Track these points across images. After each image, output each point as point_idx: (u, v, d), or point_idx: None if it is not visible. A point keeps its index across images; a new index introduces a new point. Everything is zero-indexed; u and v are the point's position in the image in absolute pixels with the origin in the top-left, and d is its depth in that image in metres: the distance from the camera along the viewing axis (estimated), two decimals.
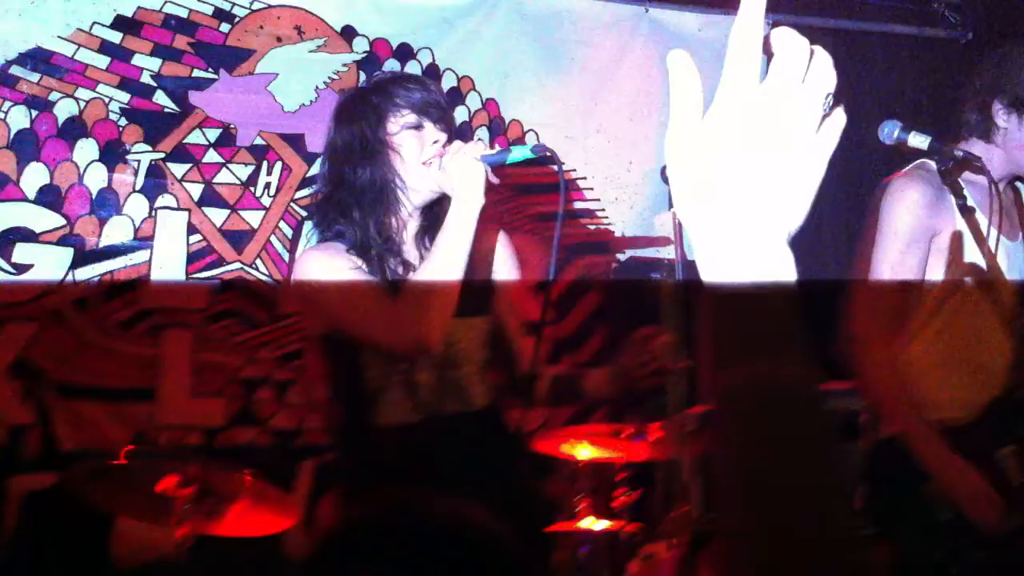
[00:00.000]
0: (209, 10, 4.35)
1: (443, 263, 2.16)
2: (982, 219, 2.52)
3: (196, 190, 4.31)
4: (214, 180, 4.34)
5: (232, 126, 4.36)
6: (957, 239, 2.56)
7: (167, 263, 4.26)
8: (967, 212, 2.44)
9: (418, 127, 2.30)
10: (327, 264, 2.28)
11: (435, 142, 2.31)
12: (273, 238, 4.40)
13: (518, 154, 2.23)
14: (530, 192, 4.58)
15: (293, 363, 4.35)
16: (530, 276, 4.55)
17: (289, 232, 4.41)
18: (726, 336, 0.93)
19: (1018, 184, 2.78)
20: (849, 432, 2.82)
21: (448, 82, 4.57)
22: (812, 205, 0.95)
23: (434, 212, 2.35)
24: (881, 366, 2.61)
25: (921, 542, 2.55)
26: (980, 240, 2.43)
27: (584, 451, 3.54)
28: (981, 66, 2.72)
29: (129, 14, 4.25)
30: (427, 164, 2.27)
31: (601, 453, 3.52)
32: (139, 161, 4.26)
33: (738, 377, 0.90)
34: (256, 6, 4.38)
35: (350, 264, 2.27)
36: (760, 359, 0.90)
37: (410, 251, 2.37)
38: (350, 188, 2.30)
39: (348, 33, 4.48)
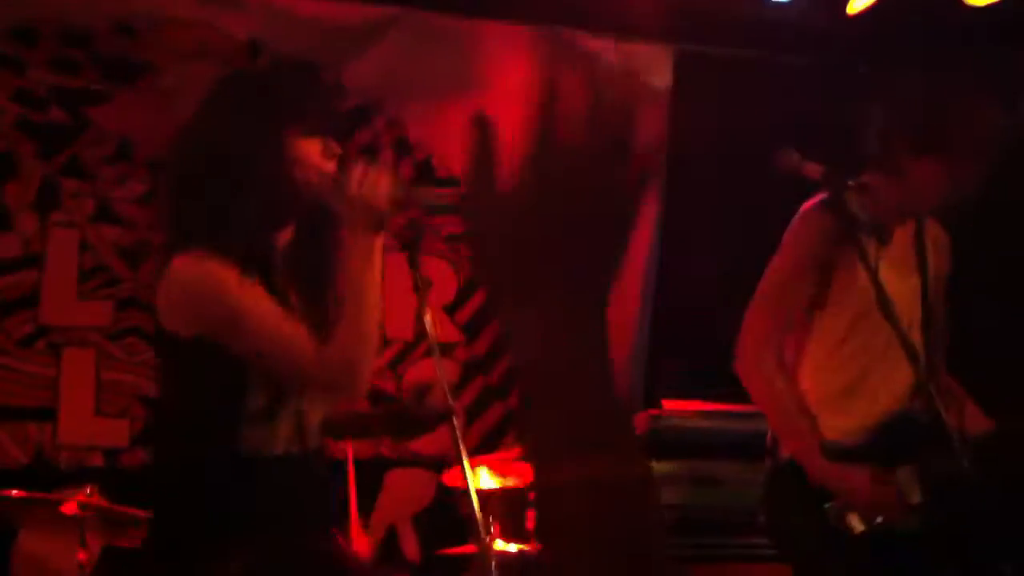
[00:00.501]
0: (109, 23, 4.26)
1: (365, 307, 2.07)
2: (876, 251, 2.60)
3: (91, 206, 4.22)
4: (110, 196, 4.25)
5: (129, 141, 4.28)
6: (852, 270, 2.66)
7: (58, 281, 4.17)
8: (861, 244, 2.53)
9: (321, 135, 2.13)
10: (223, 278, 2.02)
11: (335, 155, 2.15)
12: None
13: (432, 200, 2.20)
14: (439, 213, 4.58)
15: None
16: (440, 298, 4.60)
17: None
18: (549, 431, 0.87)
19: (922, 220, 2.86)
20: (754, 453, 2.90)
21: (354, 100, 4.54)
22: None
23: (306, 226, 2.17)
24: (772, 390, 2.70)
25: (822, 561, 2.64)
26: (874, 272, 2.52)
27: (490, 480, 3.59)
28: (878, 100, 2.82)
29: (25, 25, 4.14)
30: (322, 177, 2.09)
31: (509, 480, 3.57)
32: (31, 176, 4.15)
33: (562, 477, 0.85)
34: (158, 20, 4.30)
35: (246, 280, 2.04)
36: (586, 456, 0.85)
37: (280, 267, 2.16)
38: (232, 188, 2.03)
39: (252, 48, 4.44)
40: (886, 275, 2.58)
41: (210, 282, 2.03)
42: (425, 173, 4.67)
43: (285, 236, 2.16)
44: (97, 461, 4.15)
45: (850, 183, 2.62)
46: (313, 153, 2.12)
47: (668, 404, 3.68)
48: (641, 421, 3.68)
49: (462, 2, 4.67)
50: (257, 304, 2.06)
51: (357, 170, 2.07)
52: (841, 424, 2.69)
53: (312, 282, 2.19)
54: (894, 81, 2.91)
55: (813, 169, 2.60)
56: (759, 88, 4.78)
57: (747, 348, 2.71)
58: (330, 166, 2.14)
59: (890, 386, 2.72)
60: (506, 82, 4.77)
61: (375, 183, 2.07)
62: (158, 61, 4.32)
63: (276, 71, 2.23)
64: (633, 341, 4.97)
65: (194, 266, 2.04)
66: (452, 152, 4.64)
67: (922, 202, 2.76)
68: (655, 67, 5.05)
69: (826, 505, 2.58)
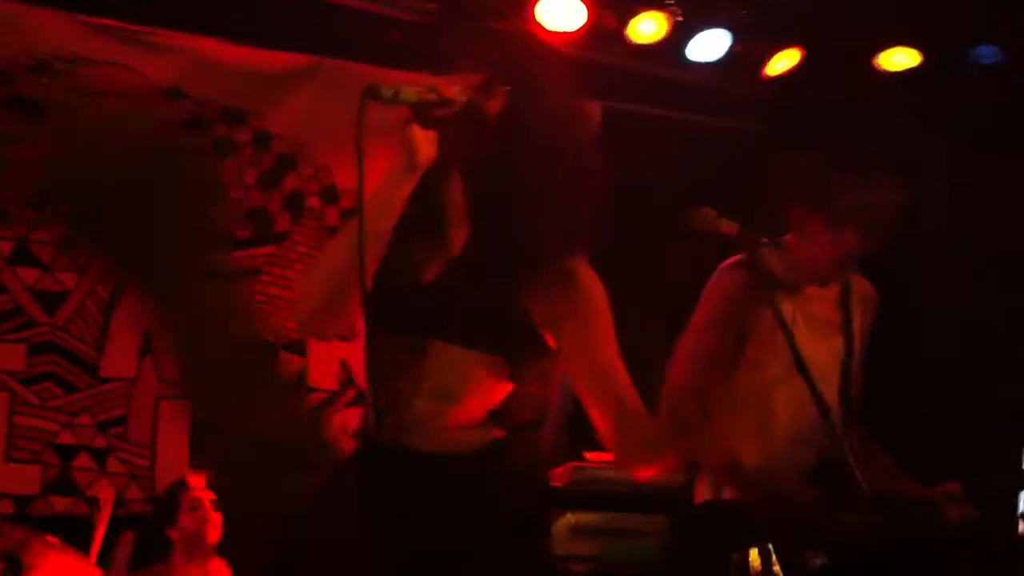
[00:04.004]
0: (28, 63, 4.21)
1: None
2: (793, 310, 2.67)
3: (7, 247, 4.15)
4: (28, 237, 4.18)
5: (48, 183, 4.21)
6: (771, 327, 2.71)
7: None
8: (774, 303, 2.59)
9: None
10: None
11: None
12: (89, 301, 4.27)
13: None
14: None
15: (114, 430, 4.24)
16: None
17: (106, 295, 4.29)
18: None
19: (847, 279, 2.93)
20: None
21: (279, 147, 4.54)
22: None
23: None
24: (692, 434, 2.73)
25: None
26: (789, 330, 2.57)
27: None
28: (776, 166, 2.91)
29: None
30: None
31: None
32: None
33: None
34: (78, 62, 4.26)
35: None
36: None
37: None
38: None
39: (173, 94, 4.41)
40: (806, 335, 2.63)
41: None
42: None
43: None
44: (7, 508, 4.04)
45: (764, 241, 2.68)
46: None
47: (590, 455, 3.70)
48: (563, 472, 3.70)
49: (385, 54, 4.70)
50: None
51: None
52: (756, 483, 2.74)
53: None
54: (795, 144, 3.01)
55: (729, 227, 2.65)
56: (680, 146, 4.88)
57: (667, 403, 2.75)
58: None
59: (803, 445, 2.77)
60: None
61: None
62: (77, 102, 4.26)
63: None
64: (558, 395, 4.98)
65: None
66: None
67: (828, 263, 2.83)
68: None
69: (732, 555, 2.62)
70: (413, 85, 1.89)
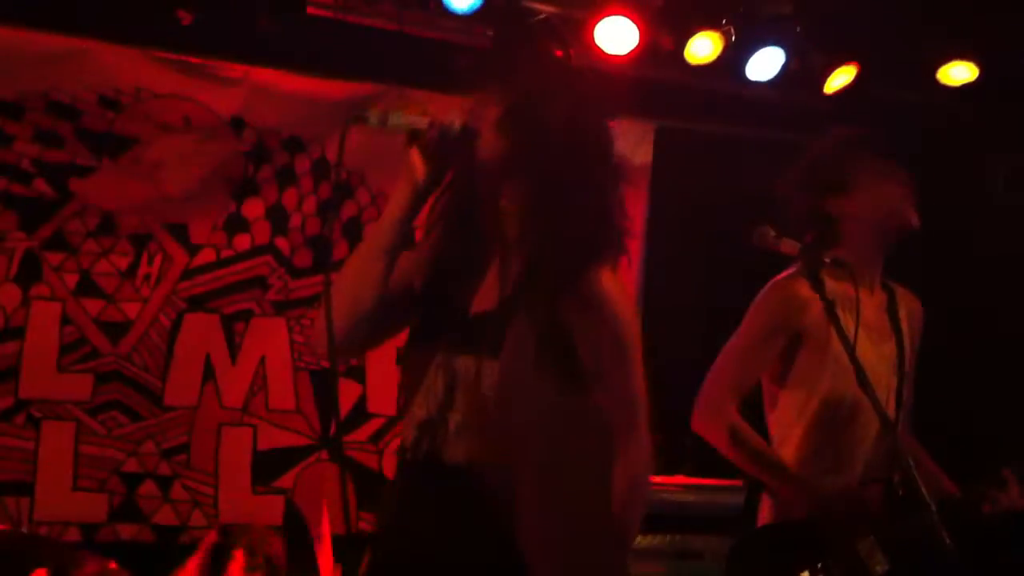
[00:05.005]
0: (94, 97, 4.30)
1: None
2: (856, 325, 2.64)
3: (72, 280, 4.23)
4: (92, 269, 4.26)
5: (113, 214, 4.30)
6: (828, 340, 2.69)
7: (39, 353, 4.16)
8: (834, 316, 2.56)
9: None
10: None
11: None
12: (152, 330, 4.33)
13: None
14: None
15: (177, 457, 4.29)
16: None
17: (168, 324, 4.35)
18: None
19: (891, 285, 2.93)
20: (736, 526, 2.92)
21: (337, 176, 4.59)
22: None
23: None
24: (735, 435, 2.72)
25: None
26: (852, 347, 2.55)
27: None
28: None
29: (11, 99, 4.18)
30: None
31: None
32: (14, 249, 4.16)
33: None
34: (143, 95, 4.35)
35: None
36: None
37: None
38: None
39: (237, 124, 4.48)
40: (862, 346, 2.61)
41: None
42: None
43: None
44: (74, 536, 4.10)
45: (826, 260, 2.66)
46: None
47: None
48: None
49: (442, 80, 4.73)
50: None
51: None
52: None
53: None
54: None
55: (789, 246, 2.64)
56: (738, 164, 4.86)
57: (703, 403, 2.76)
58: None
59: (856, 453, 2.75)
60: None
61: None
62: (142, 135, 4.35)
63: None
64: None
65: None
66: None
67: (874, 250, 2.81)
68: (636, 143, 5.13)
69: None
70: (407, 109, 1.92)
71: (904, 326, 2.89)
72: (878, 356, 2.76)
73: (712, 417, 2.74)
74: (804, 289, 2.69)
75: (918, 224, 2.81)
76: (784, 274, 2.81)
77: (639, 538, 3.52)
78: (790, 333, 2.76)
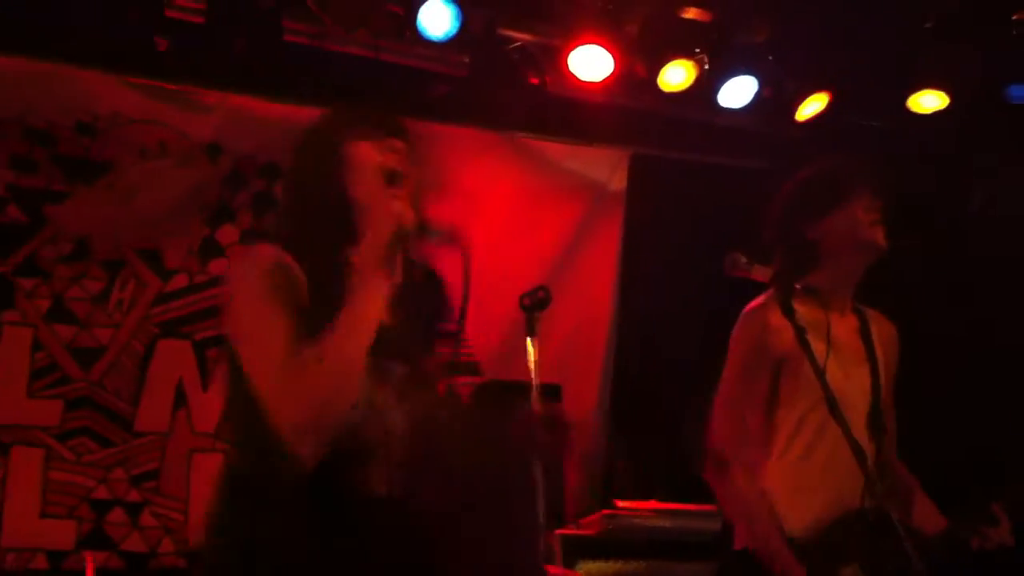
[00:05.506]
0: (70, 122, 4.29)
1: (351, 339, 1.83)
2: (826, 349, 2.65)
3: (45, 305, 4.21)
4: (65, 294, 4.24)
5: (87, 239, 4.29)
6: (799, 367, 2.70)
7: (9, 379, 4.13)
8: (804, 342, 2.57)
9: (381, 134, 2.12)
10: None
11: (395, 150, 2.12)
12: (124, 355, 4.31)
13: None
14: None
15: (147, 484, 4.25)
16: None
17: (141, 349, 4.33)
18: None
19: (862, 308, 2.94)
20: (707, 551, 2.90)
21: None
22: None
23: None
24: (737, 486, 2.71)
25: None
26: (821, 371, 2.55)
27: None
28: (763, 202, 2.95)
29: None
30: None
31: None
32: None
33: None
34: (119, 120, 4.34)
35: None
36: None
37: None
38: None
39: (213, 150, 4.48)
40: (833, 371, 2.62)
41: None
42: None
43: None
44: (41, 564, 4.05)
45: (798, 285, 2.67)
46: (371, 155, 2.07)
47: (621, 503, 3.67)
48: (594, 521, 3.67)
49: (424, 107, 4.76)
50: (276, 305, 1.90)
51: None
52: (797, 519, 2.70)
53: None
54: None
55: (761, 272, 2.65)
56: (711, 190, 4.90)
57: (712, 454, 2.74)
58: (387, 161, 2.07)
59: (843, 481, 2.74)
60: (463, 185, 4.85)
61: (406, 207, 2.00)
62: (118, 160, 4.35)
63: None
64: (590, 443, 4.97)
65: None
66: None
67: (846, 274, 2.84)
68: (611, 170, 5.16)
69: None
70: None
71: (878, 350, 2.89)
72: (847, 380, 2.77)
73: (717, 473, 2.74)
74: (775, 316, 2.70)
75: (884, 244, 2.83)
76: (754, 303, 2.82)
77: (614, 564, 3.52)
78: (771, 361, 2.76)
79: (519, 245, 4.88)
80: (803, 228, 2.84)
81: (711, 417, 2.79)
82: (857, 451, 2.50)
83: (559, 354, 4.78)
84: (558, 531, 3.59)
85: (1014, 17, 4.27)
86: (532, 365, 2.35)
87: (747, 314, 2.81)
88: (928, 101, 4.64)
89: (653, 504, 3.74)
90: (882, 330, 2.95)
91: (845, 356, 2.80)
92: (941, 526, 2.79)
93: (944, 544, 2.68)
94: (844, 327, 2.85)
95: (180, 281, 4.42)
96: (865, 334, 2.90)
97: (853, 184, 2.84)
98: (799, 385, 2.73)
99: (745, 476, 2.74)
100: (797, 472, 2.76)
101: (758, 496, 2.73)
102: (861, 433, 2.64)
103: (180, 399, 4.34)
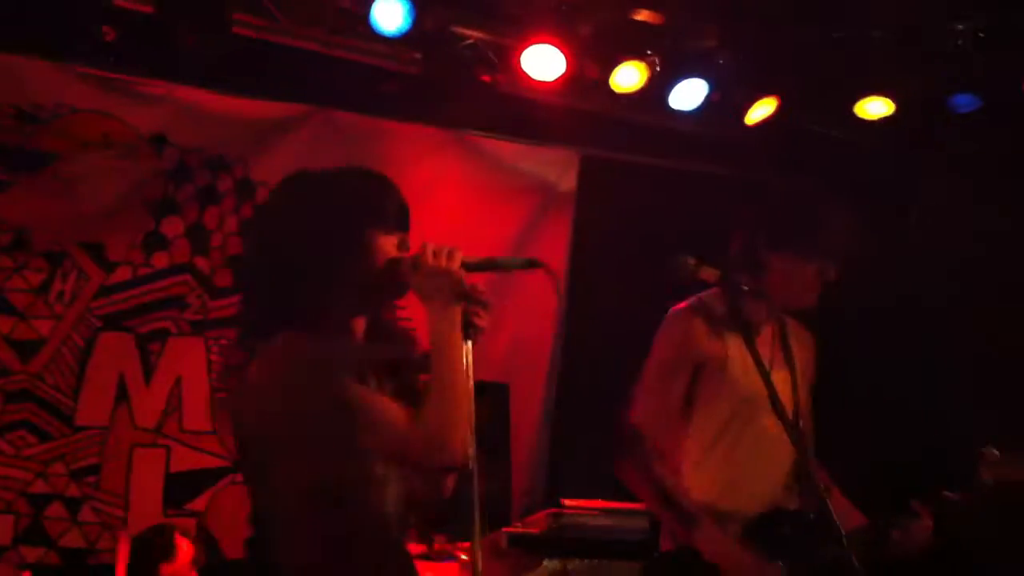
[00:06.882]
0: (12, 111, 4.21)
1: (454, 375, 2.02)
2: (761, 348, 2.68)
3: None
4: (4, 285, 4.16)
5: (27, 231, 4.21)
6: (721, 369, 2.74)
7: None
8: (747, 341, 2.60)
9: (398, 232, 2.18)
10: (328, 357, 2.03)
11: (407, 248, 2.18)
12: (64, 348, 4.23)
13: (507, 262, 2.27)
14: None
15: (87, 478, 4.19)
16: None
17: (82, 342, 4.26)
18: None
19: (782, 317, 2.97)
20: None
21: (261, 196, 4.53)
22: None
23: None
24: (651, 463, 2.73)
25: None
26: (757, 368, 2.58)
27: None
28: (743, 203, 2.95)
29: None
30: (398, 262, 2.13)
31: None
32: None
33: None
34: (62, 110, 4.26)
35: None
36: None
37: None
38: (323, 278, 2.10)
39: (158, 141, 4.42)
40: (755, 375, 2.65)
41: (319, 359, 2.01)
42: None
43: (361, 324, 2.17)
44: None
45: (744, 288, 2.69)
46: (390, 248, 2.14)
47: (568, 502, 3.68)
48: (539, 519, 3.67)
49: (374, 104, 4.74)
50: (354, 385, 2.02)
51: (429, 247, 2.12)
52: (719, 520, 2.73)
53: (390, 361, 2.17)
54: (763, 185, 3.06)
55: (709, 274, 2.67)
56: (660, 192, 4.94)
57: (628, 434, 2.76)
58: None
59: (765, 480, 2.78)
60: (413, 182, 4.83)
61: (449, 254, 2.11)
62: (61, 151, 4.27)
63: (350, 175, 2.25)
64: (536, 442, 4.99)
65: (301, 343, 2.02)
66: None
67: (787, 299, 2.86)
68: (562, 170, 5.18)
69: None
70: None
71: (796, 357, 2.93)
72: (765, 383, 2.79)
73: (631, 464, 2.75)
74: (699, 318, 2.74)
75: (814, 304, 2.87)
76: (680, 305, 2.84)
77: (557, 561, 3.53)
78: (691, 364, 2.79)
79: (467, 243, 4.83)
80: (760, 243, 2.84)
81: (629, 403, 2.81)
82: (796, 441, 2.54)
83: (506, 354, 4.80)
84: (504, 529, 3.59)
85: (959, 27, 4.35)
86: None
87: (671, 316, 2.84)
88: (874, 108, 4.72)
89: (599, 503, 3.75)
90: (800, 337, 2.99)
91: (768, 360, 2.83)
92: (861, 523, 2.83)
93: (865, 536, 2.72)
94: (767, 332, 2.89)
95: (123, 274, 4.36)
96: (784, 340, 2.94)
97: (826, 245, 2.81)
98: (721, 388, 2.76)
99: (660, 460, 2.76)
100: (718, 474, 2.79)
101: (672, 473, 2.76)
102: (781, 435, 2.66)
103: (122, 393, 4.28)
